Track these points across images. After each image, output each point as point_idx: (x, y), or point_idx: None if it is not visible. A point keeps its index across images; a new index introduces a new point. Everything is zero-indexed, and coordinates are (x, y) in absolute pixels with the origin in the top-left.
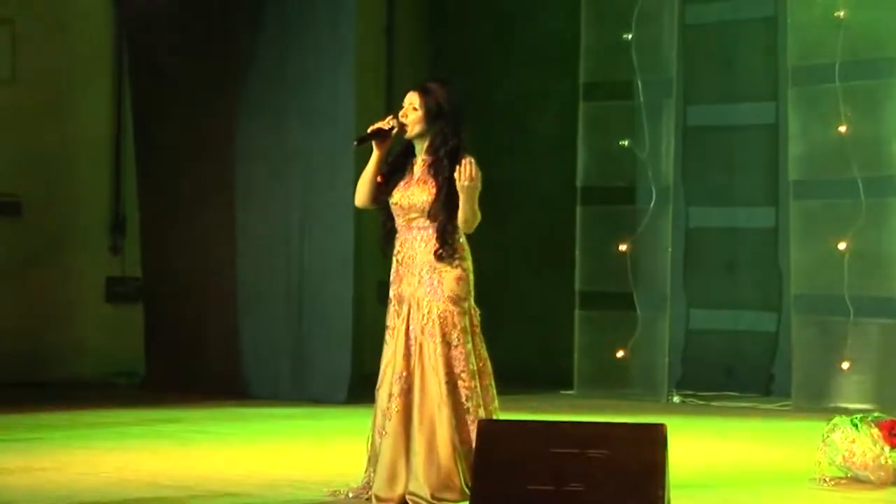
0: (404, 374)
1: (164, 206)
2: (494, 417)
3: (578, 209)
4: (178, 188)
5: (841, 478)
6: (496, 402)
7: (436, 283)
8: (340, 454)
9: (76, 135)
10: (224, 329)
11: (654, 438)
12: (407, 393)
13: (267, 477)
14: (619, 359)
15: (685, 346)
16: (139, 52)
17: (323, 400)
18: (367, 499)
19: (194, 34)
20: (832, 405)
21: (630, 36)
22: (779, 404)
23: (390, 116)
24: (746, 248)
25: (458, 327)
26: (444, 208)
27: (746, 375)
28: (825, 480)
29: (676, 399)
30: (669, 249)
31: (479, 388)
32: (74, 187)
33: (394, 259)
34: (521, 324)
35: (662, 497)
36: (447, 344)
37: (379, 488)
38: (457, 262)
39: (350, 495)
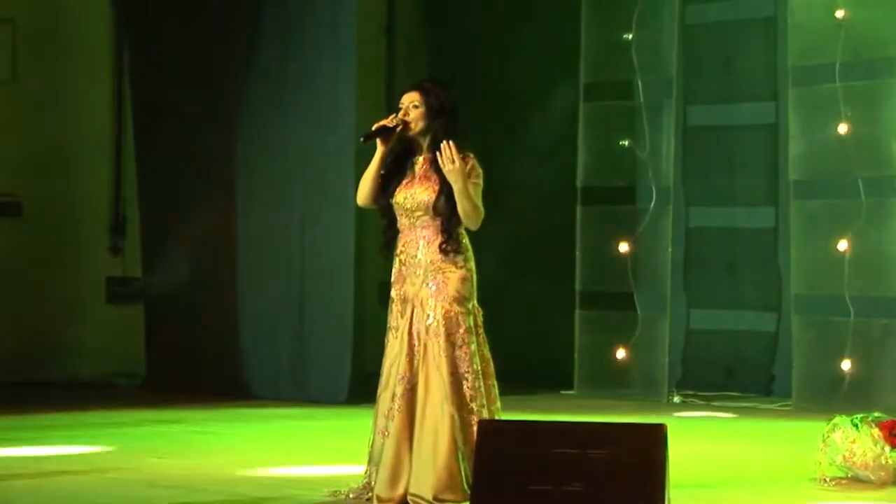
0: (408, 374)
1: (165, 206)
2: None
3: (579, 209)
4: (179, 188)
5: (841, 478)
6: (498, 403)
7: (441, 283)
8: (340, 454)
9: (76, 135)
10: (224, 329)
11: (655, 438)
12: (410, 393)
13: (266, 477)
14: (620, 359)
15: (685, 346)
16: (139, 52)
17: (323, 400)
18: (367, 499)
19: (195, 34)
20: (832, 405)
21: (630, 36)
22: (779, 404)
23: (394, 114)
24: (746, 248)
25: (463, 327)
26: (448, 202)
27: (747, 375)
28: (826, 480)
29: (677, 399)
30: (670, 249)
31: (482, 389)
32: (75, 187)
33: (396, 259)
34: (521, 324)
35: (662, 497)
36: (452, 344)
37: (381, 489)
38: (461, 262)
39: (350, 495)
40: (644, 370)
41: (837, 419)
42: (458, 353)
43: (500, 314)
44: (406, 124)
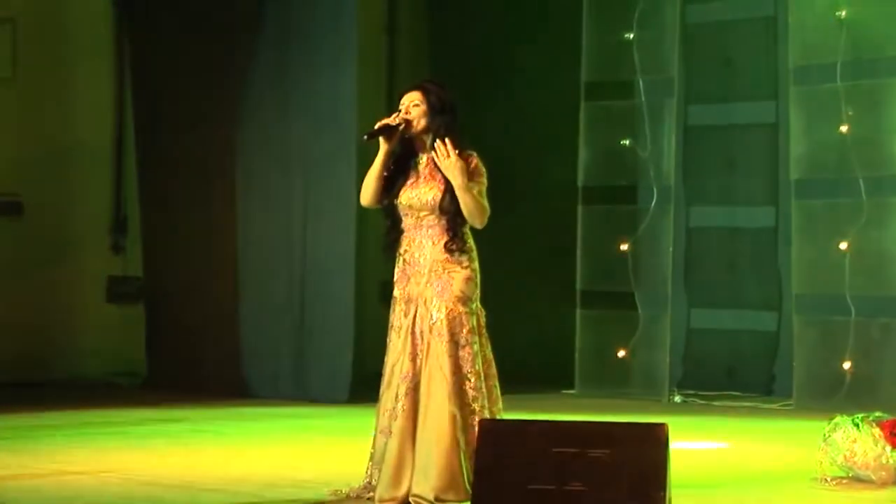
0: (411, 373)
1: (166, 205)
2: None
3: (580, 208)
4: (180, 187)
5: (842, 477)
6: (500, 404)
7: (445, 282)
8: (341, 454)
9: (77, 134)
10: (225, 329)
11: (656, 438)
12: (413, 392)
13: (267, 477)
14: (621, 358)
15: (686, 345)
16: (140, 52)
17: (323, 400)
18: (368, 499)
19: (195, 34)
20: (833, 405)
21: (631, 35)
22: (780, 404)
23: (396, 113)
24: (747, 248)
25: (467, 327)
26: (453, 200)
27: (748, 375)
28: (826, 480)
29: (678, 399)
30: (671, 249)
31: (484, 389)
32: (75, 187)
33: (400, 258)
34: (522, 323)
35: (663, 497)
36: (455, 344)
37: (383, 490)
38: (466, 262)
39: (351, 495)
40: (645, 369)
41: (838, 419)
42: (461, 352)
43: (501, 313)
44: (409, 123)
